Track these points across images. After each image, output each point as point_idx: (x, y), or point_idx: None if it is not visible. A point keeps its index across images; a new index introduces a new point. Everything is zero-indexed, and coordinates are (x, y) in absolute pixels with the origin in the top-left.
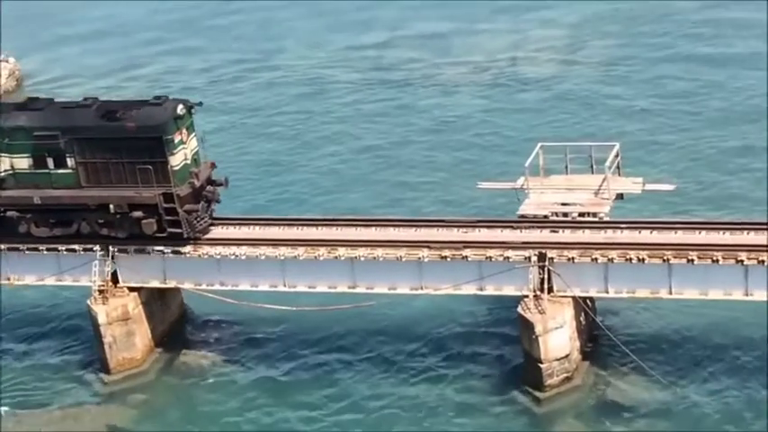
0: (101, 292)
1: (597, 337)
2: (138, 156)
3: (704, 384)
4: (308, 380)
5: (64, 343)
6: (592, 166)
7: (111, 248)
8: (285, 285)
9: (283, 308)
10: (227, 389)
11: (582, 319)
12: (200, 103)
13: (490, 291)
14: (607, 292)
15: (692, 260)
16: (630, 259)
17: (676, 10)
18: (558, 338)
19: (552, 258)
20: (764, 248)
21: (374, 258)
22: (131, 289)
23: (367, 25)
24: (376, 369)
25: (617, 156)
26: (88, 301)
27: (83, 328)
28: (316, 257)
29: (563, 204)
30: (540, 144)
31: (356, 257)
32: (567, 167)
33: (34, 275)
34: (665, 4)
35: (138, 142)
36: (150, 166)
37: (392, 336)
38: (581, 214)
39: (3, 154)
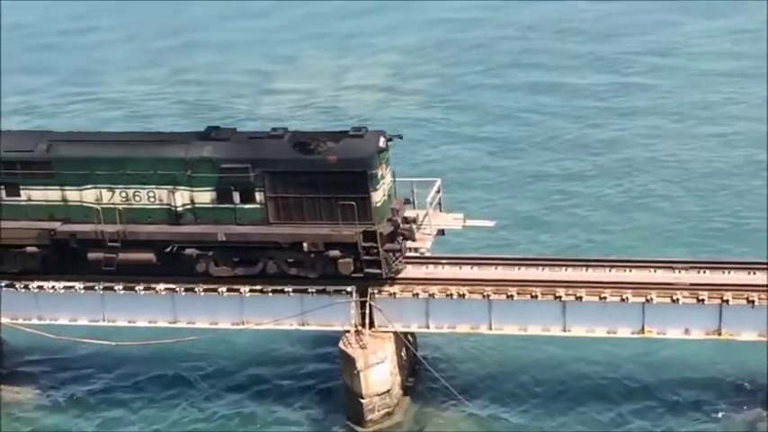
0: None
1: (418, 372)
2: (337, 191)
3: (521, 418)
4: (126, 415)
5: None
6: (414, 202)
7: None
8: (105, 320)
9: (102, 342)
10: (43, 424)
11: (403, 354)
12: (400, 136)
13: (312, 326)
14: (428, 328)
15: (512, 296)
16: (451, 295)
17: (494, 40)
18: (379, 373)
19: (373, 293)
20: (582, 284)
21: (194, 293)
22: None
23: (189, 59)
24: (196, 404)
25: (438, 191)
26: None
27: None
28: (135, 291)
29: None
30: None
31: (177, 291)
32: None
33: None
34: (482, 34)
35: (339, 177)
36: (353, 203)
37: (213, 371)
38: None
39: (183, 187)
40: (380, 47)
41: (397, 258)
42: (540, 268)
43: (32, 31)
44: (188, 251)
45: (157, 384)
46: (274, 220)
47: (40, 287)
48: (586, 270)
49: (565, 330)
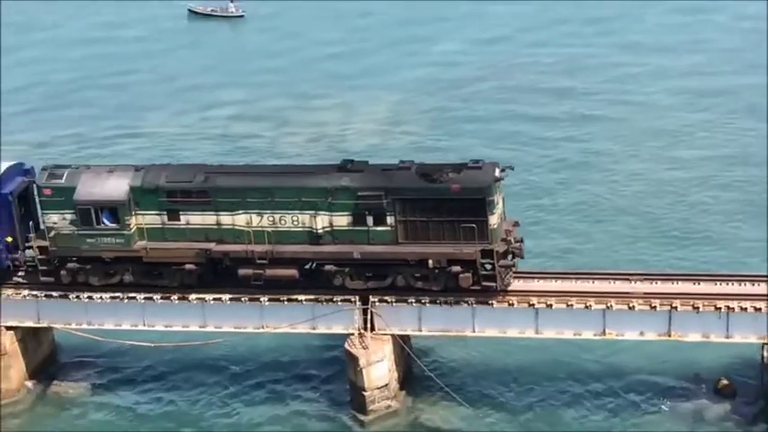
0: None
1: (413, 368)
2: (459, 215)
3: (501, 408)
4: (164, 410)
5: None
6: None
7: None
8: (144, 325)
9: (143, 344)
10: (93, 415)
11: (400, 353)
12: (512, 167)
13: (322, 329)
14: (421, 331)
15: (492, 304)
16: (441, 303)
17: (479, 78)
18: (379, 370)
19: (374, 302)
20: (551, 294)
21: (221, 301)
22: (8, 327)
23: (217, 97)
24: (223, 395)
25: None
26: None
27: None
28: (170, 300)
29: None
30: None
31: (206, 300)
32: None
33: None
34: (468, 74)
35: (461, 203)
36: (473, 225)
37: (238, 368)
38: None
39: (323, 212)
40: (381, 86)
41: (508, 273)
42: (516, 280)
43: (82, 75)
44: (327, 267)
45: (191, 381)
46: (403, 240)
47: (90, 297)
48: (555, 281)
49: (537, 333)
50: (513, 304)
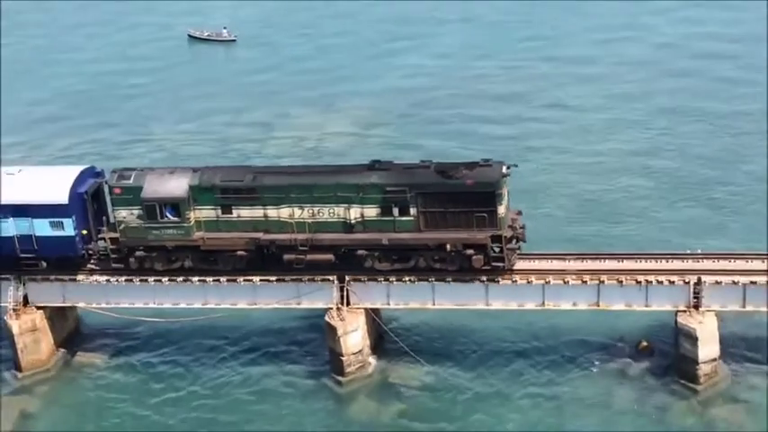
0: (15, 310)
1: (383, 336)
2: (472, 206)
3: (457, 365)
4: (173, 372)
5: None
6: None
7: (22, 277)
8: (155, 303)
9: (154, 319)
10: (113, 376)
11: (372, 323)
12: (516, 165)
13: (306, 305)
14: (389, 304)
15: (449, 281)
16: (405, 280)
17: (433, 88)
18: (354, 338)
19: (349, 281)
20: (498, 271)
21: (220, 282)
22: (38, 307)
23: (214, 110)
24: (223, 362)
25: None
26: (5, 317)
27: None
28: (176, 281)
29: None
30: None
31: (207, 281)
32: None
33: None
34: (426, 84)
35: (474, 195)
36: (485, 214)
37: (234, 339)
38: None
39: (355, 205)
40: (354, 95)
41: (513, 255)
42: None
43: (97, 88)
44: (359, 252)
45: (195, 349)
46: (424, 228)
47: (108, 280)
48: None
49: (487, 305)
50: (469, 281)
